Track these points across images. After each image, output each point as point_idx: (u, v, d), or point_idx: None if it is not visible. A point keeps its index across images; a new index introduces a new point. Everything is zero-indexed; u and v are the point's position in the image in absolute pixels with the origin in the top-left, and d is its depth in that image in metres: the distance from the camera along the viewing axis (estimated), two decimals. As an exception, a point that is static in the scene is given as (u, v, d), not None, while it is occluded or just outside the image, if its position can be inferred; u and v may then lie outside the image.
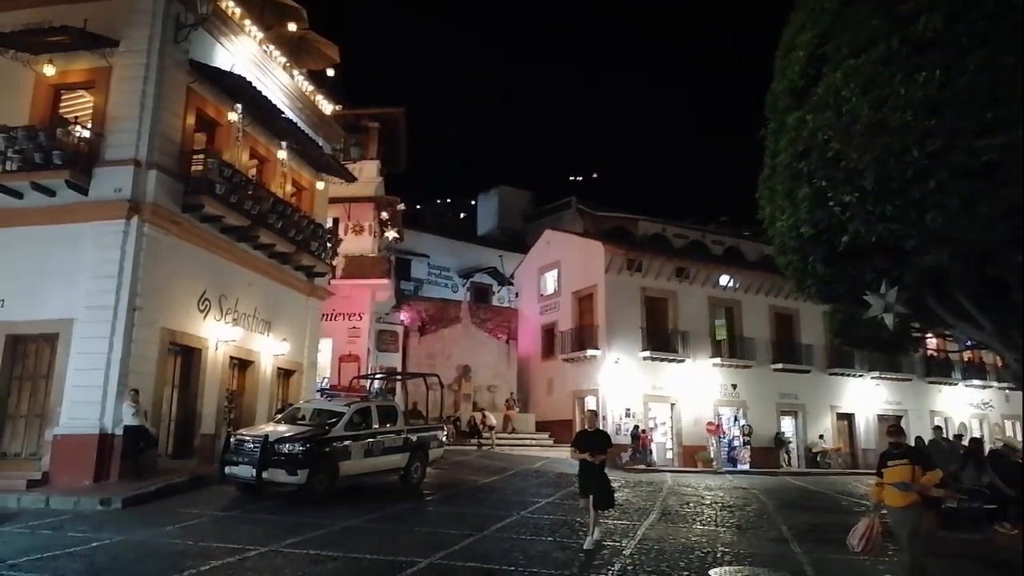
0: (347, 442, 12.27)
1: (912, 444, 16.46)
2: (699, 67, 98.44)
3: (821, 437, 28.76)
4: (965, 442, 14.59)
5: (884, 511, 7.42)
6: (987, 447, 16.17)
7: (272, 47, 17.56)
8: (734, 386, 27.80)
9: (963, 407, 33.27)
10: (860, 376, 30.47)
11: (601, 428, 10.67)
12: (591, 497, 9.35)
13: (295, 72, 18.82)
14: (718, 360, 27.66)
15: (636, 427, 24.63)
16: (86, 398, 12.34)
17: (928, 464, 7.17)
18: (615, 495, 10.26)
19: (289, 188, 18.72)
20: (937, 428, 16.64)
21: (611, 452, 9.78)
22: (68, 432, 12.26)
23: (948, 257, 7.77)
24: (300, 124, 18.59)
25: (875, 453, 15.60)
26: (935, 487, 7.20)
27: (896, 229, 7.70)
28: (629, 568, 8.11)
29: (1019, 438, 30.42)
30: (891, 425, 8.06)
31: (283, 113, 17.44)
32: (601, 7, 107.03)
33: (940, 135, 6.92)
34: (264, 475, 11.17)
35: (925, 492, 7.05)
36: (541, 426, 27.61)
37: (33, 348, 13.23)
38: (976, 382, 33.56)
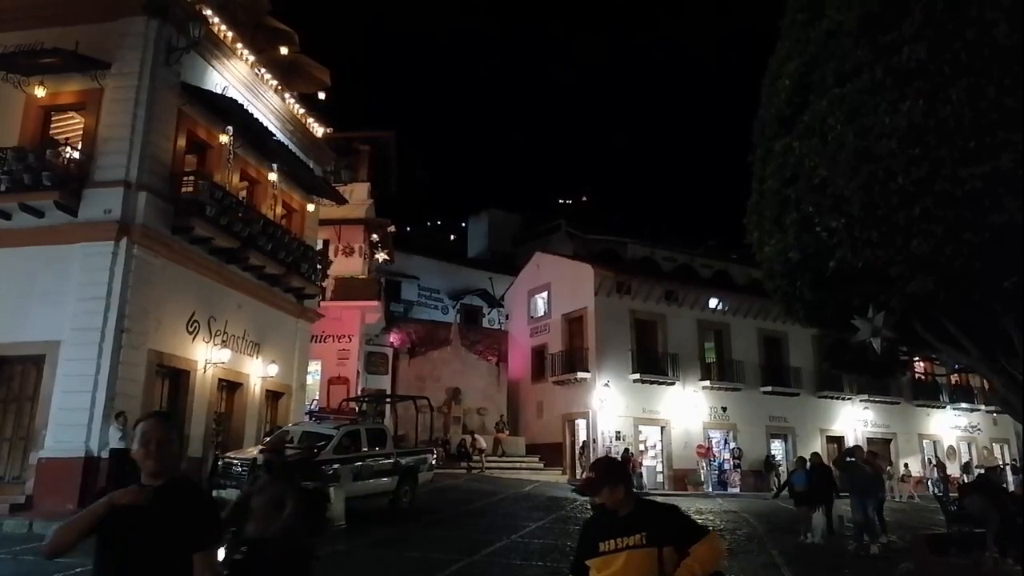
0: (336, 465, 12.18)
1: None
2: (688, 93, 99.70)
3: (811, 460, 28.77)
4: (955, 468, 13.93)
5: None
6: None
7: (263, 70, 17.66)
8: (724, 409, 27.81)
9: (951, 430, 33.41)
10: (849, 399, 30.55)
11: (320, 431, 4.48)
12: None
13: (286, 95, 18.92)
14: (708, 383, 27.67)
15: (626, 450, 24.55)
16: (72, 421, 12.20)
17: (690, 534, 3.05)
18: None
19: (279, 210, 18.73)
20: (857, 448, 14.09)
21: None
22: (53, 455, 12.10)
23: (933, 283, 7.84)
24: (291, 146, 18.66)
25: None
26: None
27: (882, 255, 7.78)
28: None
29: (1007, 461, 30.56)
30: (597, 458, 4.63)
31: (274, 135, 17.51)
32: (591, 33, 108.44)
33: (924, 163, 7.03)
34: (251, 499, 11.03)
35: None
36: (531, 449, 27.47)
37: (18, 370, 13.11)
38: (964, 405, 33.70)
